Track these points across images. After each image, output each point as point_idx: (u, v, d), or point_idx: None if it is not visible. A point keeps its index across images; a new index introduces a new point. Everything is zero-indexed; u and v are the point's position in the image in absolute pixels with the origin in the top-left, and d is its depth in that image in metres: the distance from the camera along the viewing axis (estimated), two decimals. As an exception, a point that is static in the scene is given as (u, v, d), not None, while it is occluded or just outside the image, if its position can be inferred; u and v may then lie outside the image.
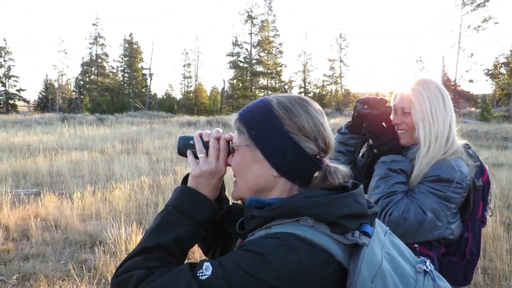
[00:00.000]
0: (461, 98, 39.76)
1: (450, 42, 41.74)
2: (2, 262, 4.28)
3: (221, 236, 1.21)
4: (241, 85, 54.61)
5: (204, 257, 1.22)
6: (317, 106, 1.04)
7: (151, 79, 54.44)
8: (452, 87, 38.09)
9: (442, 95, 1.74)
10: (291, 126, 0.97)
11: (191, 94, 57.12)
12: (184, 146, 1.14)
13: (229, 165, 1.10)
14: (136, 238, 4.49)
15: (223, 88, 54.07)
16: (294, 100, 1.02)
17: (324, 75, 58.00)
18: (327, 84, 58.28)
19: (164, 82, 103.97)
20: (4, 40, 66.92)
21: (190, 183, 1.09)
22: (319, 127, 0.99)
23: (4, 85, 53.68)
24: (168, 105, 53.53)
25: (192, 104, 54.97)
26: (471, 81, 41.17)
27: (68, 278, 3.87)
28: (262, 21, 54.08)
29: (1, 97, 53.71)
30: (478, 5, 39.96)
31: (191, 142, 1.13)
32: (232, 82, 55.06)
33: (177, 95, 61.67)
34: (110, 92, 55.32)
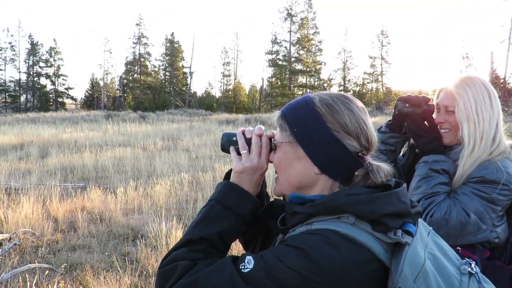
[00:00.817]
0: (510, 96, 37.80)
1: (500, 38, 39.75)
2: (51, 252, 4.53)
3: (261, 231, 1.23)
4: (279, 83, 54.56)
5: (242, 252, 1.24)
6: (359, 103, 1.04)
7: (191, 77, 55.44)
8: (501, 85, 36.27)
9: (488, 93, 1.68)
10: (334, 123, 0.98)
11: (230, 92, 57.71)
12: (227, 143, 1.18)
13: (271, 162, 1.11)
14: (176, 233, 4.60)
15: (262, 86, 54.20)
16: (337, 98, 1.02)
17: (365, 72, 56.90)
18: (368, 82, 57.17)
19: (203, 80, 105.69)
20: (54, 40, 70.49)
21: (232, 178, 1.12)
22: (361, 124, 0.99)
23: (53, 83, 56.47)
24: (207, 103, 54.31)
25: (231, 102, 55.55)
26: (522, 78, 39.02)
27: (112, 269, 4.03)
28: (301, 19, 53.74)
29: (51, 95, 56.54)
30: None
31: (234, 138, 1.16)
32: (270, 80, 55.10)
33: (216, 93, 62.58)
34: (152, 91, 56.86)
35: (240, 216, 1.07)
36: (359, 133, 0.99)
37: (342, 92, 1.08)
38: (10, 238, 4.62)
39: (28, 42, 55.51)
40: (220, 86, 60.04)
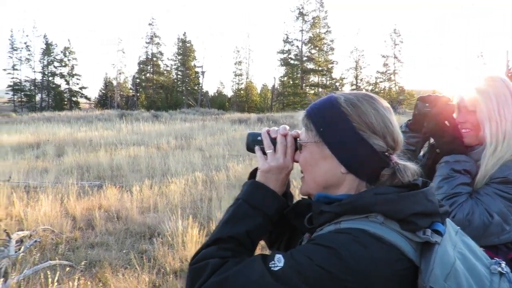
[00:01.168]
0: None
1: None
2: (70, 249, 4.61)
3: (286, 231, 1.25)
4: (291, 82, 54.48)
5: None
6: (384, 103, 1.04)
7: (203, 77, 55.69)
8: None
9: (510, 92, 1.67)
10: (359, 123, 0.98)
11: (242, 92, 57.75)
12: (253, 142, 1.19)
13: (296, 161, 1.12)
14: (192, 232, 4.64)
15: (274, 86, 54.19)
16: (362, 97, 1.02)
17: (377, 71, 56.38)
18: (380, 81, 56.64)
19: (215, 79, 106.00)
20: (68, 40, 71.43)
21: (259, 177, 1.13)
22: (387, 123, 1.00)
23: (68, 83, 57.22)
24: (219, 102, 54.44)
25: (242, 101, 55.60)
26: (539, 76, 38.25)
27: (129, 267, 4.09)
28: (313, 18, 53.60)
29: (66, 95, 57.29)
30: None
31: (259, 138, 1.17)
32: (282, 79, 55.04)
33: (228, 92, 62.76)
34: (164, 90, 57.23)
35: (267, 215, 1.08)
36: (385, 133, 0.99)
37: (367, 92, 1.09)
38: (31, 235, 4.71)
39: (43, 42, 56.38)
40: (232, 86, 60.28)
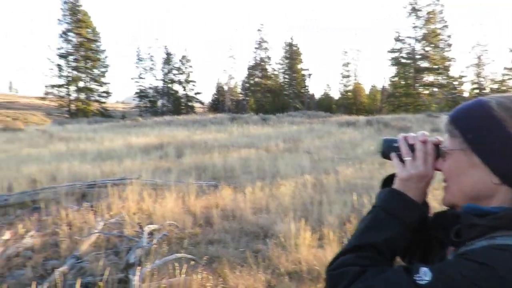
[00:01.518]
0: None
1: None
2: (192, 244, 4.98)
3: (422, 242, 1.20)
4: (403, 82, 51.75)
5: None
6: None
7: (309, 79, 55.89)
8: None
9: None
10: None
11: (350, 93, 56.55)
12: (388, 149, 1.14)
13: (438, 170, 1.07)
14: (305, 234, 4.68)
15: (383, 87, 52.06)
16: None
17: (505, 68, 50.65)
18: (508, 79, 50.73)
19: (321, 82, 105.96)
20: (185, 49, 77.31)
21: (397, 186, 1.09)
22: None
23: (184, 89, 61.96)
24: (325, 105, 54.12)
25: (350, 103, 54.44)
26: None
27: (246, 265, 4.27)
28: (428, 13, 50.22)
29: (182, 100, 62.04)
30: None
31: (395, 144, 1.12)
32: (393, 79, 52.57)
33: (335, 94, 62.10)
34: (272, 93, 58.71)
35: (406, 224, 1.04)
36: None
37: None
38: (159, 229, 5.20)
39: (164, 52, 61.97)
40: (340, 87, 59.58)
